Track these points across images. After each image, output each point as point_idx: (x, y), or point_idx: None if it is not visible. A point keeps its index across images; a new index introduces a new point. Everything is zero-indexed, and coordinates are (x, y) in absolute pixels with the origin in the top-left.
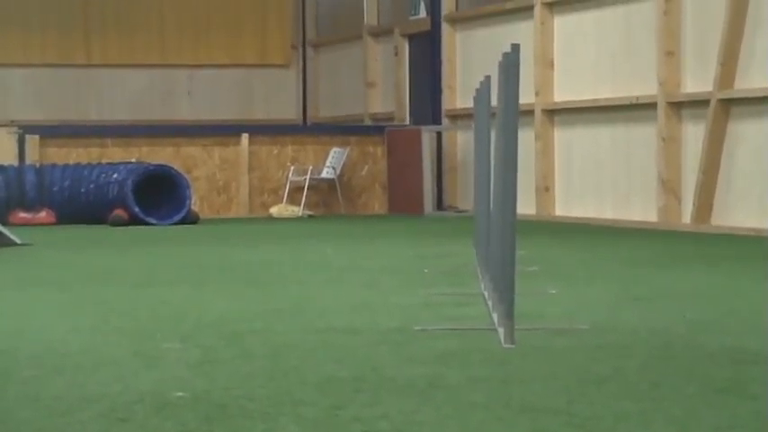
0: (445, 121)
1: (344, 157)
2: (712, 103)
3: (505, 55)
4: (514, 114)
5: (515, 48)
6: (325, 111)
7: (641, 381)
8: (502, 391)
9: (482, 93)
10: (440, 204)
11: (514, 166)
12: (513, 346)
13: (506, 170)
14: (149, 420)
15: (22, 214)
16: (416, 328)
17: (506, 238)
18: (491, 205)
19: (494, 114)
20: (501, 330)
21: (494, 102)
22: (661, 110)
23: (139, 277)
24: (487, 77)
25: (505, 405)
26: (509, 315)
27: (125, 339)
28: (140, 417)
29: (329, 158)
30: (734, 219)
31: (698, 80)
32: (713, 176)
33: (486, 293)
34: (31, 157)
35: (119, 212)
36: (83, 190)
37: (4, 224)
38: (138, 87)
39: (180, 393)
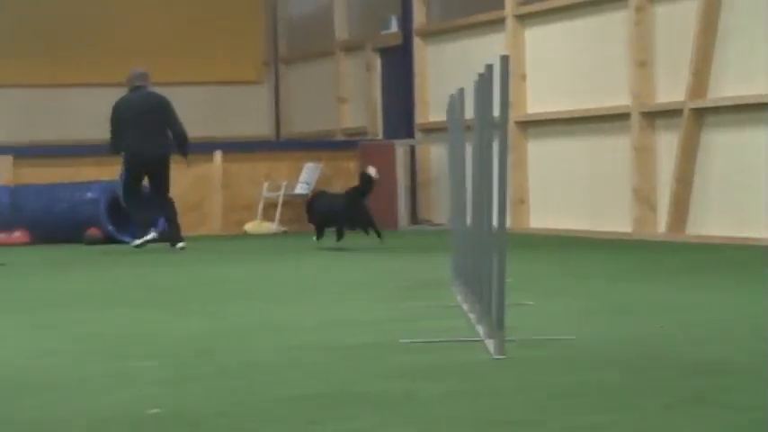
0: (418, 134)
1: (318, 173)
2: (685, 112)
3: (487, 67)
4: (504, 126)
5: (505, 59)
6: (297, 126)
7: (615, 392)
8: (475, 405)
9: (455, 105)
10: (414, 218)
11: (504, 179)
12: (503, 356)
13: (500, 184)
14: None
15: None
16: (402, 340)
17: (497, 250)
18: (470, 218)
19: (468, 127)
20: (491, 342)
21: (468, 114)
22: (634, 120)
23: (113, 297)
24: (461, 90)
25: (478, 418)
26: (500, 326)
27: (99, 359)
28: None
29: (303, 174)
30: (709, 228)
31: (670, 90)
32: (687, 186)
33: (464, 306)
34: (5, 177)
35: (93, 231)
36: (57, 209)
37: None
38: (110, 107)
39: (155, 410)
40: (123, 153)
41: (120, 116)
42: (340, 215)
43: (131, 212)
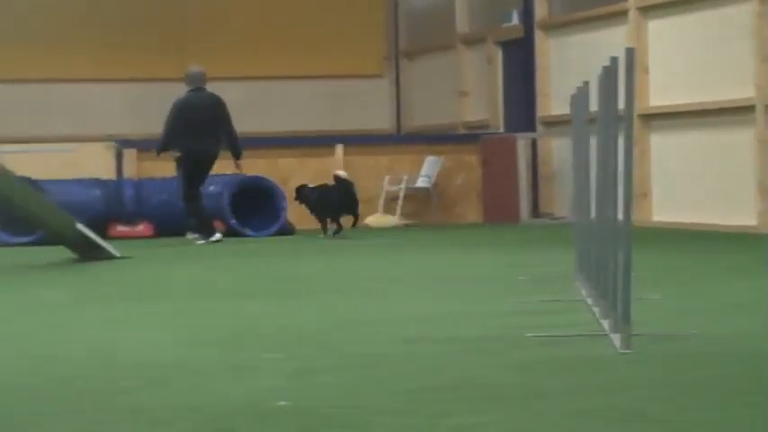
0: (540, 127)
1: (439, 166)
2: None
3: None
4: (630, 121)
5: (630, 51)
6: (418, 120)
7: (746, 387)
8: (602, 399)
9: (580, 98)
10: (535, 212)
11: (630, 172)
12: (629, 351)
13: (626, 177)
14: (251, 430)
15: (121, 227)
16: (527, 334)
17: (623, 244)
18: (594, 211)
19: (592, 120)
20: (616, 336)
21: (592, 107)
22: (759, 113)
23: (236, 289)
24: (586, 83)
25: (608, 413)
26: (626, 320)
27: (223, 350)
28: (242, 426)
29: (424, 167)
30: None
31: None
32: None
33: (589, 300)
34: (129, 170)
35: (216, 224)
36: (179, 203)
37: (104, 237)
38: (233, 100)
39: (283, 402)
40: (180, 153)
41: (185, 116)
42: (335, 203)
43: (196, 214)
